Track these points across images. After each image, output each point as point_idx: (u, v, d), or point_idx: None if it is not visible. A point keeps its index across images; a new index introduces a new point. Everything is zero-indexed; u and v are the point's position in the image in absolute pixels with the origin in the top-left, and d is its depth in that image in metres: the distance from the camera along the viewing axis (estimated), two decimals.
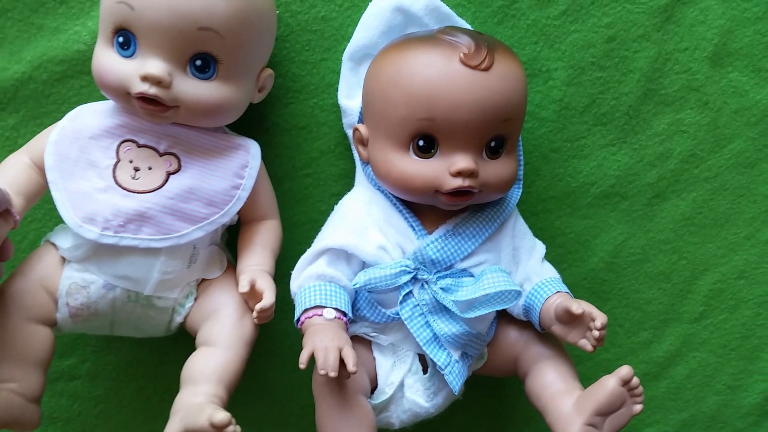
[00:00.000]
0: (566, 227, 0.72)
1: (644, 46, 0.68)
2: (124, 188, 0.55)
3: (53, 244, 0.59)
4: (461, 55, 0.53)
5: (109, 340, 0.70)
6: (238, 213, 0.60)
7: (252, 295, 0.56)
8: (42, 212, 0.66)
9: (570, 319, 0.57)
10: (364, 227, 0.58)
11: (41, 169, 0.57)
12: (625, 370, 0.55)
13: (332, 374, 0.50)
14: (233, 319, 0.58)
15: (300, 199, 0.68)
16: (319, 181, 0.68)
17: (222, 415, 0.49)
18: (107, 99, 0.58)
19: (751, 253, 0.75)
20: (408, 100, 0.54)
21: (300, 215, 0.69)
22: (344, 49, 0.64)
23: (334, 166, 0.68)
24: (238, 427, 0.50)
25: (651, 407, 0.79)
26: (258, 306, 0.55)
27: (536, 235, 0.66)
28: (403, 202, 0.60)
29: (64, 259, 0.58)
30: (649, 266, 0.74)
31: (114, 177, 0.56)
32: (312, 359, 0.52)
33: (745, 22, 0.68)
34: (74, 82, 0.64)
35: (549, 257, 0.71)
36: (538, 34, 0.67)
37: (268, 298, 0.55)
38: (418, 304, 0.57)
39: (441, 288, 0.57)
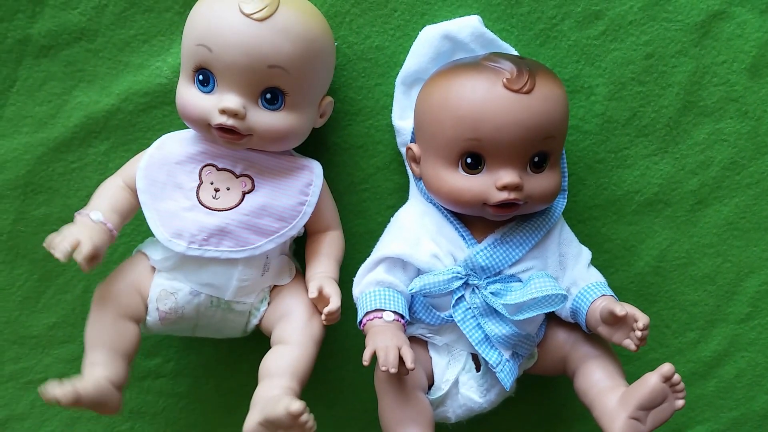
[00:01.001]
0: (613, 233, 0.75)
1: (682, 61, 0.70)
2: (207, 207, 0.62)
3: (144, 254, 0.66)
4: (504, 80, 0.57)
5: (190, 342, 0.77)
6: (304, 225, 0.66)
7: (320, 300, 0.62)
8: (131, 228, 0.72)
9: (614, 320, 0.60)
10: (418, 237, 0.64)
11: (133, 191, 0.64)
12: (666, 368, 0.58)
13: (392, 371, 0.56)
14: (303, 320, 0.63)
15: (359, 212, 0.74)
16: (376, 195, 0.73)
17: (298, 404, 0.55)
18: (186, 127, 0.65)
19: None
20: (456, 122, 0.59)
21: (359, 226, 0.74)
22: (397, 75, 0.68)
23: (390, 181, 0.73)
24: (311, 416, 0.56)
25: (701, 405, 0.81)
26: (326, 309, 0.60)
27: (584, 241, 0.70)
28: (454, 214, 0.64)
29: (154, 269, 0.65)
30: (694, 269, 0.77)
31: (198, 197, 0.62)
32: (374, 357, 0.57)
33: None
34: (157, 112, 0.70)
35: (597, 262, 0.74)
36: (579, 53, 0.70)
37: (335, 302, 0.61)
38: (470, 308, 0.62)
39: (491, 292, 0.61)
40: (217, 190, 0.63)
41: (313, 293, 0.61)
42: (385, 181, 0.73)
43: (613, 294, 0.64)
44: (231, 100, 0.59)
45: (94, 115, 0.71)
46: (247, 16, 0.57)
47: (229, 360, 0.78)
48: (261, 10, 0.57)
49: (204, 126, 0.61)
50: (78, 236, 0.58)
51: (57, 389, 0.56)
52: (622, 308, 0.59)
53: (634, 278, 0.77)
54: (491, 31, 0.67)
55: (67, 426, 0.79)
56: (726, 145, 0.73)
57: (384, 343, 0.57)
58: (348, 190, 0.73)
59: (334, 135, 0.72)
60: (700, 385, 0.80)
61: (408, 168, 0.69)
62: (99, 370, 0.60)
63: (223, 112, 0.59)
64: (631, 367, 0.78)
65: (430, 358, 0.65)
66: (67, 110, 0.71)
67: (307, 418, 0.56)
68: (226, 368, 0.78)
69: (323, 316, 0.61)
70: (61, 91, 0.70)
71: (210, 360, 0.78)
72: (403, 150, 0.69)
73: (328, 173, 0.71)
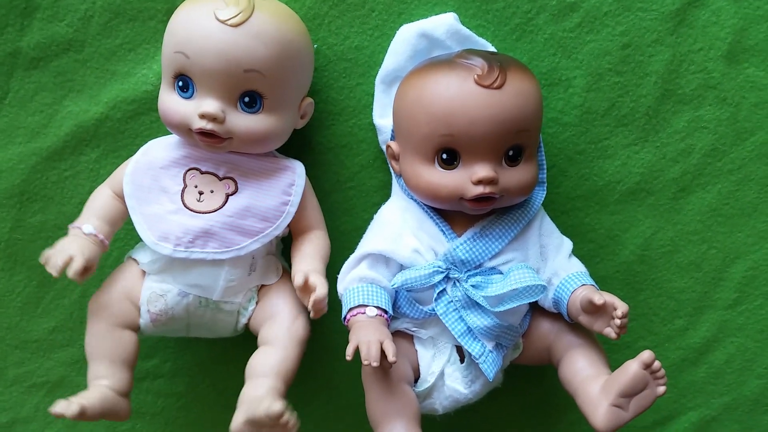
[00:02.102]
0: (596, 223, 0.76)
1: (659, 50, 0.71)
2: (191, 210, 0.64)
3: (134, 260, 0.67)
4: (475, 76, 0.58)
5: (185, 343, 0.78)
6: (289, 225, 0.67)
7: (306, 290, 0.61)
8: (123, 233, 0.74)
9: (594, 309, 0.61)
10: (400, 233, 0.65)
11: (122, 198, 0.65)
12: (646, 355, 0.59)
13: (374, 364, 0.57)
14: (288, 321, 0.65)
15: (346, 210, 0.75)
16: (361, 192, 0.74)
17: (278, 405, 0.56)
18: (171, 133, 0.66)
19: None
20: (430, 119, 0.60)
21: (346, 224, 0.75)
22: (377, 74, 0.69)
23: (374, 179, 0.74)
24: (293, 415, 0.57)
25: (692, 392, 0.81)
26: (313, 296, 0.60)
27: (567, 232, 0.70)
28: (434, 209, 0.65)
29: (144, 272, 0.66)
30: (679, 257, 0.77)
31: (182, 200, 0.64)
32: (357, 352, 0.58)
33: (759, 19, 0.70)
34: (145, 119, 0.72)
35: (581, 252, 0.75)
36: (555, 46, 0.71)
37: (321, 290, 0.60)
38: (452, 301, 0.63)
39: (472, 285, 0.62)
40: (201, 193, 0.64)
41: (299, 281, 0.60)
42: (370, 179, 0.74)
43: (593, 283, 0.65)
44: (210, 104, 0.60)
45: (84, 123, 0.72)
46: (222, 22, 0.59)
47: (223, 359, 0.80)
48: (235, 16, 0.59)
49: (185, 131, 0.62)
50: (70, 252, 0.61)
51: (64, 407, 0.58)
52: (600, 297, 0.60)
53: (619, 267, 0.77)
54: (467, 27, 0.68)
55: (69, 428, 0.81)
56: (706, 132, 0.74)
57: (367, 337, 0.58)
58: (334, 188, 0.74)
59: (318, 135, 0.73)
60: (691, 372, 0.81)
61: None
62: (102, 382, 0.63)
63: (202, 116, 0.60)
64: (620, 356, 0.79)
65: (416, 351, 0.66)
66: (58, 120, 0.72)
67: (288, 418, 0.57)
68: (221, 367, 0.80)
69: (310, 305, 0.60)
70: (51, 101, 0.72)
71: (205, 360, 0.80)
72: (384, 148, 0.70)
73: (314, 173, 0.72)
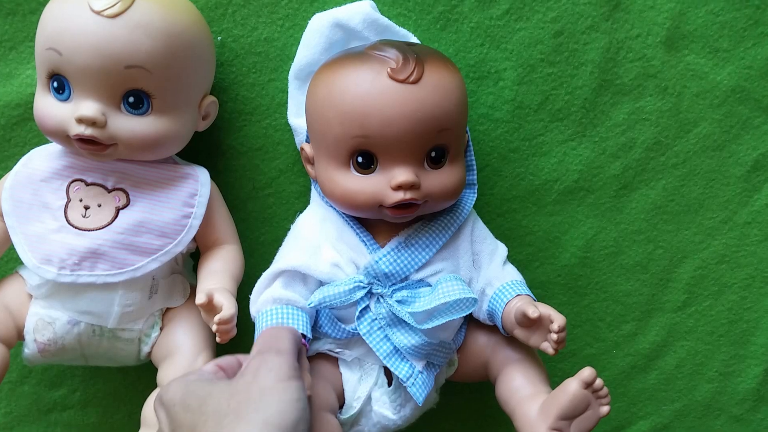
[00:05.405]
0: (534, 225, 0.71)
1: (594, 37, 0.66)
2: (76, 227, 0.56)
3: (22, 277, 0.60)
4: (389, 69, 0.52)
5: (95, 370, 0.72)
6: (196, 240, 0.60)
7: (210, 309, 0.55)
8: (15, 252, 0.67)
9: (529, 322, 0.56)
10: (318, 246, 0.58)
11: (2, 216, 0.58)
12: (586, 372, 0.54)
13: None
14: (187, 361, 0.59)
15: (264, 219, 0.68)
16: (281, 200, 0.68)
17: None
18: None
19: (729, 236, 0.73)
20: (342, 118, 0.53)
21: (266, 234, 0.69)
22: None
23: (295, 184, 0.68)
24: None
25: (642, 399, 0.77)
26: (217, 317, 0.53)
27: (503, 235, 0.65)
28: (355, 218, 0.59)
29: (31, 296, 0.59)
30: (624, 258, 0.72)
31: (66, 217, 0.56)
32: None
33: (697, 3, 0.66)
34: (32, 125, 0.65)
35: (519, 257, 0.70)
36: (483, 36, 0.65)
37: (228, 309, 0.54)
38: (376, 318, 0.57)
39: (397, 301, 0.56)
40: (87, 208, 0.57)
41: (200, 300, 0.53)
42: (290, 185, 0.68)
43: (529, 293, 0.59)
44: (87, 107, 0.53)
45: None
46: (98, 13, 0.51)
47: (138, 386, 0.73)
48: (113, 5, 0.51)
49: (63, 138, 0.55)
50: None
51: None
52: (535, 309, 0.54)
53: (560, 271, 0.72)
54: (386, 16, 0.63)
55: None
56: (648, 125, 0.69)
57: None
58: (250, 196, 0.68)
59: (229, 138, 0.67)
60: (641, 379, 0.77)
61: None
62: None
63: (80, 121, 0.53)
64: (565, 365, 0.75)
65: (341, 374, 0.60)
66: None
67: None
68: (137, 395, 0.73)
69: (215, 327, 0.54)
70: None
71: (119, 388, 0.73)
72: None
73: (226, 179, 0.66)
